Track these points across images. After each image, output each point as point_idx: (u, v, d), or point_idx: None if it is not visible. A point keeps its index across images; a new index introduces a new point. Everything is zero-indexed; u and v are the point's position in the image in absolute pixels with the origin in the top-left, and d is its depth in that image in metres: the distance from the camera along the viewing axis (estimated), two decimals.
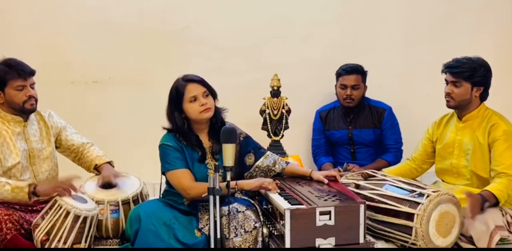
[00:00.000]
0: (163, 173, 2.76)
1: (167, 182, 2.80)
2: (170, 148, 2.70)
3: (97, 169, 3.02)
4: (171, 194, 2.78)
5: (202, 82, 2.73)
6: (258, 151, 2.91)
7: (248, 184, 2.68)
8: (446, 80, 2.95)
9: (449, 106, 2.97)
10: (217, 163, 2.73)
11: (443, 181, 3.10)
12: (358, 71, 3.67)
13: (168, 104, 2.75)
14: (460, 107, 2.94)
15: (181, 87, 2.70)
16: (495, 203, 2.70)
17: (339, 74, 3.71)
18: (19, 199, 2.63)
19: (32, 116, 2.91)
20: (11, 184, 2.62)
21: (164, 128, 2.78)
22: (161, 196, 2.87)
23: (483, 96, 2.93)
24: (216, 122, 2.79)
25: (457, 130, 2.99)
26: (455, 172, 3.00)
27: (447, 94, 2.93)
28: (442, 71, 2.95)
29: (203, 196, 2.47)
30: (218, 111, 2.80)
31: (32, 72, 2.81)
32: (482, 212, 2.66)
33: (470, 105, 2.92)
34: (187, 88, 2.69)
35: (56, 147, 3.03)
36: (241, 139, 2.88)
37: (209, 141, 2.79)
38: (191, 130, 2.76)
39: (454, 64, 2.89)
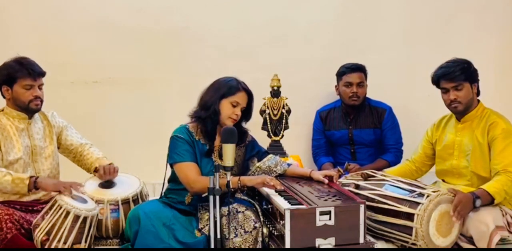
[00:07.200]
0: (170, 165, 2.76)
1: (170, 180, 2.82)
2: (182, 140, 2.72)
3: (97, 172, 3.01)
4: (173, 192, 2.79)
5: (251, 98, 2.81)
6: (262, 155, 2.93)
7: (251, 180, 2.67)
8: (444, 88, 2.90)
9: (458, 111, 2.92)
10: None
11: (443, 181, 3.10)
12: (361, 69, 3.68)
13: (214, 91, 2.78)
14: (467, 109, 2.92)
15: (234, 89, 2.77)
16: (491, 201, 2.69)
17: (342, 72, 3.69)
18: (18, 191, 2.67)
19: (36, 115, 2.95)
20: (13, 175, 2.67)
21: (190, 115, 2.80)
22: (162, 194, 2.87)
23: (477, 92, 2.93)
24: None
25: (456, 130, 2.98)
26: (455, 172, 2.99)
27: (454, 101, 2.87)
28: (434, 82, 2.93)
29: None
30: (243, 131, 2.85)
31: (41, 73, 2.84)
32: (475, 209, 2.66)
33: (472, 104, 2.92)
34: (238, 94, 2.77)
35: (57, 147, 3.03)
36: (247, 142, 2.89)
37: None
38: (216, 121, 2.77)
39: (447, 71, 2.87)
